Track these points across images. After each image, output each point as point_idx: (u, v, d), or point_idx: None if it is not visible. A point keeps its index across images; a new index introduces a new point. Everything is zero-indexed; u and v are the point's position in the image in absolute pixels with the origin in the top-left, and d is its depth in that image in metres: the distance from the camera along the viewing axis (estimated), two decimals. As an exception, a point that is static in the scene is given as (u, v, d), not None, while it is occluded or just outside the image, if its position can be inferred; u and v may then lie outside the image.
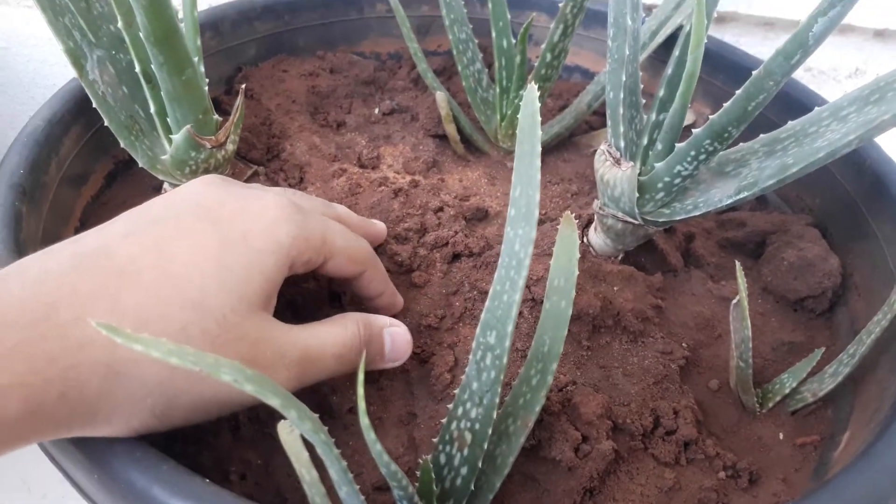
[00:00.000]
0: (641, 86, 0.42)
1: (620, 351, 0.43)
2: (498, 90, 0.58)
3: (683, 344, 0.44)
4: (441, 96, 0.57)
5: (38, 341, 0.26)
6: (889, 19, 0.69)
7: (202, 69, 0.48)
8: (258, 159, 0.55)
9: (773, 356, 0.46)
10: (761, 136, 0.42)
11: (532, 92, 0.31)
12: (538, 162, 0.30)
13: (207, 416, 0.32)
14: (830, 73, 0.74)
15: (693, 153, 0.38)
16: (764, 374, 0.44)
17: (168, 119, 0.47)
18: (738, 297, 0.38)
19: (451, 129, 0.59)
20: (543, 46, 0.52)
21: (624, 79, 0.39)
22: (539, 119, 0.31)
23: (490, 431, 0.32)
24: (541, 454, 0.37)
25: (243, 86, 0.49)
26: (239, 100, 0.49)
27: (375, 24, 0.67)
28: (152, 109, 0.47)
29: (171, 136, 0.47)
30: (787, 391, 0.42)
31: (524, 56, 0.55)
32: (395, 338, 0.39)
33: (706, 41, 0.61)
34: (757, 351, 0.46)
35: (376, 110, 0.62)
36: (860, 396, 0.41)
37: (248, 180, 0.53)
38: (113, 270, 0.29)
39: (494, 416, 0.31)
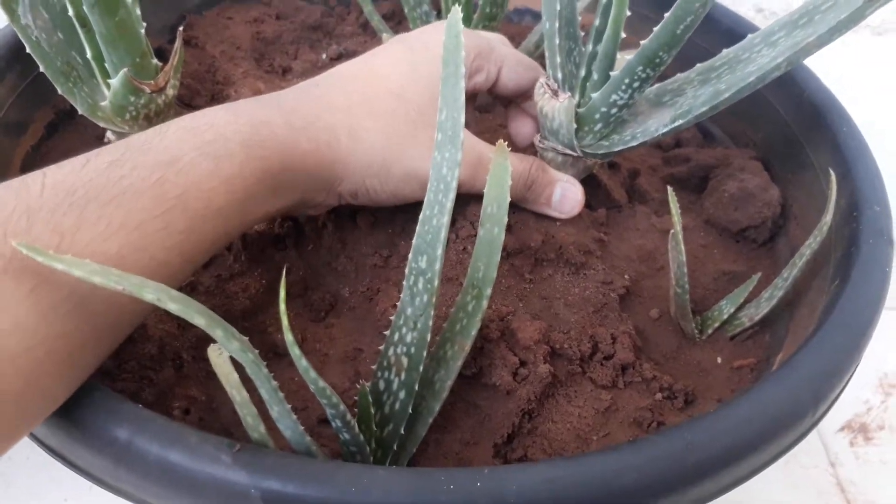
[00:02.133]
0: (580, 18, 0.43)
1: (562, 283, 0.43)
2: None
3: (626, 275, 0.45)
4: (387, 38, 0.57)
5: (298, 105, 0.38)
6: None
7: (138, 12, 0.47)
8: (202, 106, 0.54)
9: (714, 286, 0.47)
10: (698, 65, 0.43)
11: (455, 14, 0.31)
12: (462, 83, 0.31)
13: (410, 195, 0.41)
14: (781, 14, 0.75)
15: (627, 81, 0.39)
16: (705, 304, 0.45)
17: (105, 64, 0.46)
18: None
19: (399, 74, 0.59)
20: (486, -15, 0.51)
21: (559, 8, 0.39)
22: (462, 41, 0.31)
23: (425, 354, 0.32)
24: (482, 381, 0.38)
25: (181, 28, 0.48)
26: (177, 43, 0.48)
27: (323, -31, 0.66)
28: (89, 54, 0.46)
29: (109, 80, 0.46)
30: (725, 317, 0.43)
31: (469, -5, 0.55)
32: (567, 192, 0.44)
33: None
34: (699, 281, 0.47)
35: (323, 56, 0.61)
36: (794, 319, 0.42)
37: (193, 127, 0.53)
38: (340, 76, 0.41)
39: (428, 338, 0.32)
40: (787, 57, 0.37)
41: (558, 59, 0.41)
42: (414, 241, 0.32)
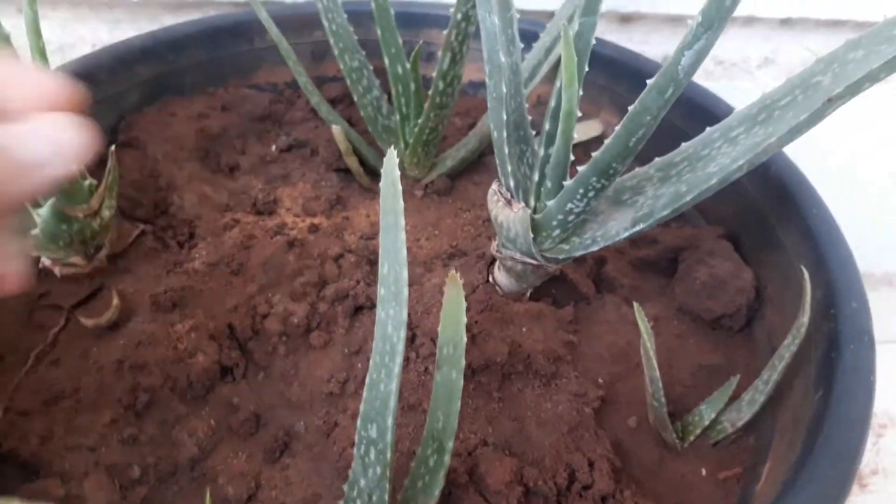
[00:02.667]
0: (530, 117, 0.40)
1: (533, 397, 0.41)
2: (398, 117, 0.56)
3: (599, 380, 0.43)
4: (337, 130, 0.54)
5: None
6: (792, 8, 0.68)
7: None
8: (145, 217, 0.51)
9: (692, 382, 0.44)
10: (656, 159, 0.41)
11: (391, 159, 0.29)
12: (403, 235, 0.28)
13: None
14: (741, 65, 0.73)
15: (581, 191, 0.37)
16: (685, 403, 0.43)
17: (32, 191, 0.43)
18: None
19: (352, 163, 0.56)
20: (435, 75, 0.49)
21: (505, 117, 0.37)
22: (400, 188, 0.28)
23: (382, 528, 0.29)
24: (452, 526, 0.35)
25: (112, 148, 0.45)
26: (110, 163, 0.45)
27: (267, 53, 0.63)
28: (13, 182, 0.43)
29: (38, 209, 0.43)
30: (706, 423, 0.41)
31: (419, 83, 0.53)
32: (40, 134, 0.25)
33: (608, 48, 0.60)
34: (676, 378, 0.44)
35: (273, 147, 0.59)
36: (779, 423, 0.39)
37: (134, 242, 0.50)
38: None
39: (385, 511, 0.29)
40: (749, 158, 0.35)
41: (509, 167, 0.39)
42: (361, 408, 0.29)
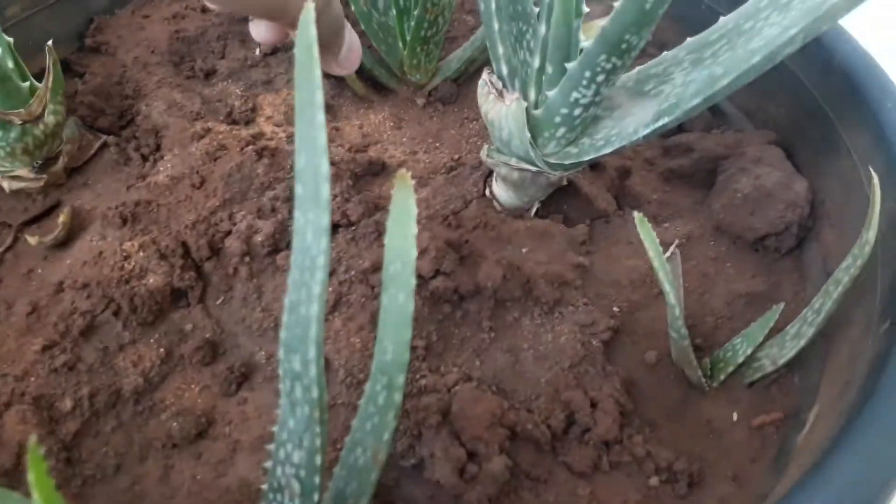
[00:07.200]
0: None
1: (531, 328, 0.34)
2: (395, 12, 0.48)
3: (614, 308, 0.36)
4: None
5: None
6: None
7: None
8: (108, 127, 0.46)
9: (728, 312, 0.37)
10: (688, 40, 0.33)
11: (308, 13, 0.22)
12: (321, 117, 0.21)
13: None
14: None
15: (588, 74, 0.29)
16: (718, 337, 0.36)
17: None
18: (656, 257, 0.30)
19: (343, 66, 0.49)
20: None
21: (492, -18, 0.30)
22: (317, 55, 0.21)
23: (318, 479, 0.24)
24: (424, 475, 0.29)
25: (49, 42, 0.40)
26: (48, 61, 0.39)
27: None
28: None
29: (-26, 114, 0.38)
30: (741, 359, 0.34)
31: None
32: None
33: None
34: (708, 307, 0.37)
35: (257, 51, 0.52)
36: (831, 361, 0.32)
37: (95, 154, 0.45)
38: None
39: (319, 461, 0.24)
40: (804, 25, 0.27)
41: (500, 50, 0.31)
42: (282, 334, 0.23)
